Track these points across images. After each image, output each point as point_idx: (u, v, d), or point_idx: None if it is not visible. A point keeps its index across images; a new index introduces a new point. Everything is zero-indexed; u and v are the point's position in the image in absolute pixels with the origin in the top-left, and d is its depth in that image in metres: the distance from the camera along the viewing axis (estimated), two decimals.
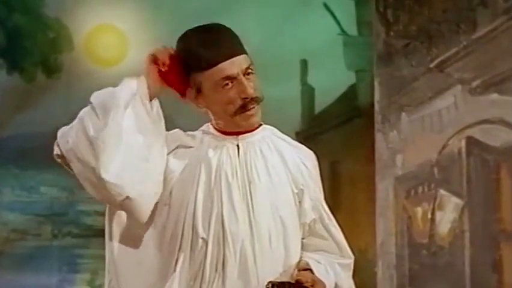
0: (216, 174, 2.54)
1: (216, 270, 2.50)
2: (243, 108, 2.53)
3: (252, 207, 2.55)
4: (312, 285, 2.52)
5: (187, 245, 2.52)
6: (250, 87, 2.52)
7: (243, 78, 2.51)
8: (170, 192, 2.56)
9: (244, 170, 2.57)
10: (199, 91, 2.56)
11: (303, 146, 2.75)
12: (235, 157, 2.59)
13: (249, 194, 2.55)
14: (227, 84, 2.51)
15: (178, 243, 2.53)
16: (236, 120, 2.56)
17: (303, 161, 2.69)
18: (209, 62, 2.51)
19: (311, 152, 2.75)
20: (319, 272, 2.57)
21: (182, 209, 2.53)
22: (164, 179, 2.54)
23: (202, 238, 2.50)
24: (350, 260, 2.71)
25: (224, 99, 2.52)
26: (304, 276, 2.53)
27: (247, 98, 2.52)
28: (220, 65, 2.51)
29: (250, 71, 2.54)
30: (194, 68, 2.53)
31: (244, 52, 2.57)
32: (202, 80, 2.53)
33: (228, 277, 2.50)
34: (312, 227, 2.68)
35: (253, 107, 2.54)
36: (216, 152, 2.58)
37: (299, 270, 2.57)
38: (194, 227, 2.51)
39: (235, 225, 2.51)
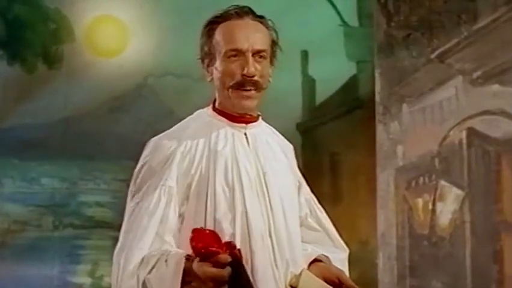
0: (232, 165, 2.51)
1: (246, 263, 2.43)
2: (240, 85, 2.51)
3: (269, 199, 2.52)
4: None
5: None
6: (254, 68, 2.50)
7: (250, 57, 2.51)
8: (189, 186, 2.50)
9: (257, 160, 2.55)
10: (212, 59, 2.55)
11: (285, 139, 2.74)
12: (246, 146, 2.56)
13: (264, 186, 2.53)
14: (234, 55, 2.51)
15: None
16: (231, 97, 2.52)
17: (288, 155, 2.70)
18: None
19: (291, 146, 2.75)
20: (335, 262, 2.59)
21: (201, 202, 2.48)
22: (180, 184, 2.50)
23: (232, 234, 2.44)
24: (345, 254, 2.71)
25: (226, 70, 2.52)
26: (345, 279, 2.53)
27: (246, 76, 2.50)
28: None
29: (263, 55, 2.53)
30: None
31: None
32: (216, 44, 2.53)
33: (255, 269, 2.45)
34: (305, 220, 2.70)
35: (251, 90, 2.52)
36: (227, 140, 2.54)
37: (312, 263, 2.58)
38: (217, 221, 2.46)
39: (257, 218, 2.48)
